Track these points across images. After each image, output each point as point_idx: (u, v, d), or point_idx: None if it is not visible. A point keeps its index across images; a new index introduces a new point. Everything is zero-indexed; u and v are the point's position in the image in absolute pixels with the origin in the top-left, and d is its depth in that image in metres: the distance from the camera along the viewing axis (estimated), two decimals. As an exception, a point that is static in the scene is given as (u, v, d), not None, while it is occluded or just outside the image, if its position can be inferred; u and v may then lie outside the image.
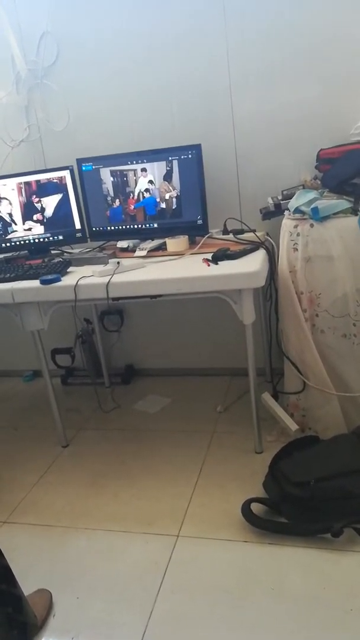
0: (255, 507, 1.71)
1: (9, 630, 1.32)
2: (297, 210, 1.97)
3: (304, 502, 1.66)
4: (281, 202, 2.14)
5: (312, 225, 1.91)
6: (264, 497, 1.76)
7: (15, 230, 2.45)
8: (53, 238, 2.43)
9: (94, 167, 2.33)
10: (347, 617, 1.36)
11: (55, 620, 1.46)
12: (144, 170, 2.26)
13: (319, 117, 2.21)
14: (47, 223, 2.42)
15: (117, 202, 2.34)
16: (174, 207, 2.28)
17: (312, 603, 1.41)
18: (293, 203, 2.00)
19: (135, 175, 2.29)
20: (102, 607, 1.48)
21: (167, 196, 2.26)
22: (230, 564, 1.57)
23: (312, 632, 1.33)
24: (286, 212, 2.06)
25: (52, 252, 2.48)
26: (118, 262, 2.01)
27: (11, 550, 1.37)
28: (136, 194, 2.31)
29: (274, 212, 2.17)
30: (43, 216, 2.41)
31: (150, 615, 1.44)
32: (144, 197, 2.30)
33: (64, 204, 2.38)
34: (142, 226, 2.36)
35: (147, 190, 2.29)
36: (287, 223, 2.00)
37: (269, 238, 2.20)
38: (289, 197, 2.10)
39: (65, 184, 2.35)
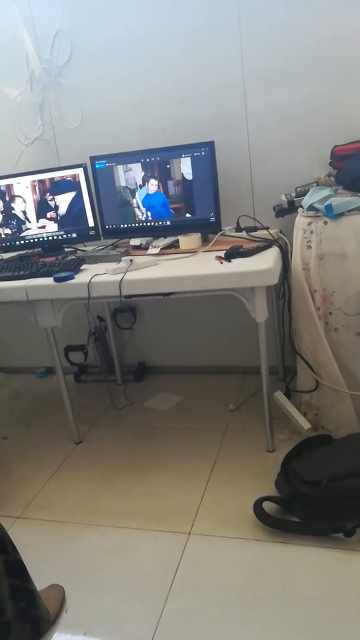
0: (267, 506, 1.71)
1: (23, 625, 1.33)
2: (310, 208, 1.95)
3: (316, 501, 1.65)
4: (295, 199, 2.13)
5: (325, 223, 1.90)
6: (276, 496, 1.76)
7: (29, 228, 2.46)
8: (66, 236, 2.44)
9: (107, 164, 2.33)
10: (358, 618, 1.35)
11: (67, 616, 1.47)
12: (152, 175, 2.26)
13: (333, 113, 2.19)
14: (60, 221, 2.43)
15: (130, 200, 2.34)
16: (180, 205, 2.27)
17: (323, 603, 1.40)
18: (307, 200, 1.99)
19: (145, 176, 2.29)
20: (113, 604, 1.49)
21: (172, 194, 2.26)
22: (241, 563, 1.57)
23: (323, 632, 1.33)
24: (300, 210, 2.05)
25: (66, 249, 2.49)
26: (131, 260, 2.01)
27: (24, 546, 1.38)
28: (142, 197, 2.31)
29: (288, 210, 2.16)
30: (57, 214, 2.42)
31: (162, 612, 1.44)
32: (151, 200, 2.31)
33: (77, 202, 2.39)
34: (154, 224, 2.36)
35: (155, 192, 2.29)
36: (300, 220, 1.98)
37: (282, 235, 2.18)
38: (302, 194, 2.09)
39: (79, 181, 2.36)
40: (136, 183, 2.32)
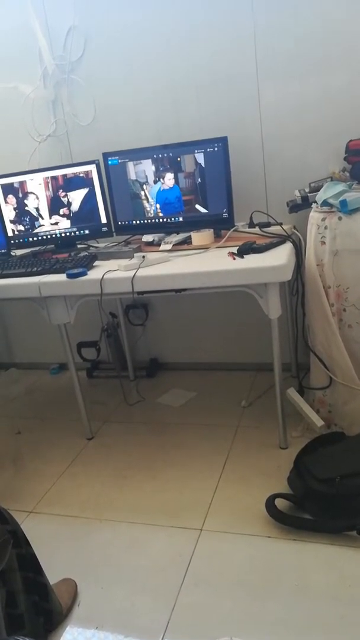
0: (280, 503, 1.70)
1: (36, 618, 1.34)
2: (325, 203, 1.93)
3: (329, 499, 1.64)
4: (309, 194, 2.11)
5: (340, 218, 1.88)
6: (289, 493, 1.75)
7: (42, 225, 2.48)
8: (79, 232, 2.45)
9: (119, 161, 2.33)
10: (372, 616, 1.34)
11: (79, 609, 1.48)
12: (166, 171, 2.26)
13: (348, 107, 2.16)
14: (73, 217, 2.44)
15: (143, 196, 2.34)
16: (192, 201, 2.26)
17: (335, 601, 1.39)
18: (321, 195, 1.97)
19: (160, 171, 2.28)
20: (125, 598, 1.50)
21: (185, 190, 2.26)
22: (253, 559, 1.57)
23: (334, 629, 1.32)
24: (314, 205, 2.03)
25: (79, 246, 2.50)
26: (143, 256, 2.01)
27: (37, 540, 1.39)
28: (156, 193, 2.31)
29: (301, 205, 2.14)
30: (69, 210, 2.43)
31: (174, 607, 1.44)
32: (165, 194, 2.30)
33: (90, 198, 2.39)
34: (167, 220, 2.36)
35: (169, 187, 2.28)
36: (314, 216, 1.96)
37: (296, 231, 2.17)
38: (316, 189, 2.07)
39: (92, 178, 2.36)
40: (147, 177, 2.31)
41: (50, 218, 2.46)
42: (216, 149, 2.18)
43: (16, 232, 2.51)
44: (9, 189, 2.45)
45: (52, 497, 1.99)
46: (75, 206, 2.42)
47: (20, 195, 2.45)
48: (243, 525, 1.70)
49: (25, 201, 2.46)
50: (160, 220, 2.36)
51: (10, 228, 2.51)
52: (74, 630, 1.42)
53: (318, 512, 1.66)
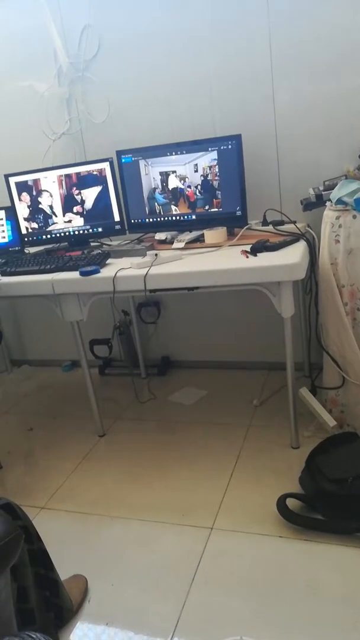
0: (291, 503, 1.69)
1: (46, 613, 1.35)
2: (339, 201, 1.92)
3: (341, 499, 1.63)
4: (323, 192, 2.09)
5: (354, 217, 1.86)
6: (300, 493, 1.74)
7: (56, 222, 2.49)
8: (92, 230, 2.46)
9: (133, 158, 2.33)
10: (384, 619, 1.33)
11: (90, 606, 1.49)
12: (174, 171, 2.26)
13: (363, 104, 2.14)
14: (86, 215, 2.44)
15: (158, 193, 2.34)
16: (206, 199, 2.26)
17: (347, 602, 1.38)
18: (335, 194, 1.95)
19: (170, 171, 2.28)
20: (136, 595, 1.50)
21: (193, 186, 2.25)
22: (264, 559, 1.56)
23: (344, 630, 1.31)
24: (328, 203, 2.01)
25: (92, 244, 2.51)
26: (156, 254, 2.01)
27: (48, 536, 1.40)
28: (170, 187, 2.30)
29: (315, 203, 2.12)
30: (83, 208, 2.44)
31: (184, 605, 1.44)
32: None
33: (103, 196, 2.40)
34: (180, 218, 2.35)
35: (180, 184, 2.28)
36: (328, 214, 1.95)
37: (310, 230, 2.15)
38: (331, 187, 2.05)
39: (105, 176, 2.37)
40: (161, 175, 2.31)
41: (63, 216, 2.47)
42: (230, 146, 2.17)
43: (30, 230, 2.52)
44: (23, 187, 2.47)
45: (64, 493, 2.00)
46: (88, 204, 2.43)
47: (34, 193, 2.47)
48: (254, 525, 1.69)
49: (39, 199, 2.47)
50: (173, 218, 2.36)
51: (24, 225, 2.52)
52: (84, 626, 1.43)
53: (329, 513, 1.65)
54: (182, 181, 2.29)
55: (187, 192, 2.30)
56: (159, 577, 1.55)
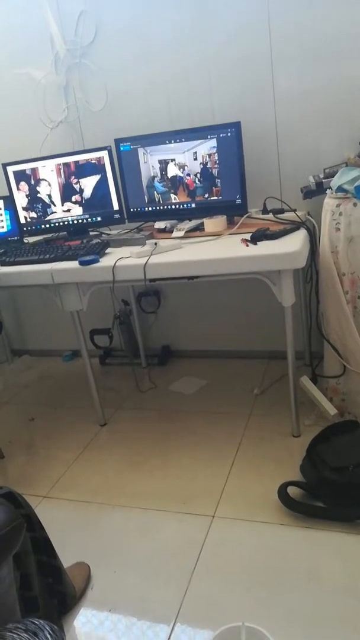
0: (292, 491, 1.70)
1: (50, 600, 1.37)
2: (339, 189, 1.90)
3: (342, 487, 1.64)
4: (323, 180, 2.08)
5: (355, 204, 1.85)
6: (301, 481, 1.75)
7: (55, 212, 2.47)
8: (91, 219, 2.44)
9: (132, 147, 2.31)
10: (384, 604, 1.34)
11: (92, 593, 1.50)
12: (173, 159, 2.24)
13: (364, 90, 2.12)
14: (85, 204, 2.43)
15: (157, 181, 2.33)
16: (205, 187, 2.24)
17: (348, 589, 1.39)
18: (335, 181, 1.93)
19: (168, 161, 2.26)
20: (138, 583, 1.51)
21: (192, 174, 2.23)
22: (266, 547, 1.57)
23: (346, 617, 1.32)
24: (328, 191, 2.00)
25: (91, 233, 2.49)
26: (155, 243, 2.00)
27: (51, 524, 1.40)
28: (169, 175, 2.29)
29: (316, 191, 2.11)
30: (81, 197, 2.42)
31: (185, 592, 1.46)
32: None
33: (102, 185, 2.38)
34: (179, 206, 2.34)
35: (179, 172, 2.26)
36: (329, 202, 1.94)
37: (310, 218, 2.14)
38: (331, 175, 2.03)
39: (104, 164, 2.35)
40: (160, 163, 2.29)
41: (62, 205, 2.46)
42: (229, 134, 2.15)
43: (29, 219, 2.51)
44: (21, 176, 2.45)
45: (66, 482, 2.01)
46: (87, 193, 2.41)
47: (33, 182, 2.45)
48: (255, 513, 1.70)
49: (38, 188, 2.45)
50: (173, 207, 2.35)
51: (22, 215, 2.51)
52: (88, 612, 1.45)
53: (331, 500, 1.66)
54: (182, 169, 2.27)
55: (186, 181, 2.28)
56: (161, 565, 1.56)
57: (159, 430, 2.27)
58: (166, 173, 2.30)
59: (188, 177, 2.28)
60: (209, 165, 2.22)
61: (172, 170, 2.29)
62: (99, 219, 2.44)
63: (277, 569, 1.49)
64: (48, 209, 2.47)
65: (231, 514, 1.72)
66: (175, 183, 2.30)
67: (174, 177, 2.30)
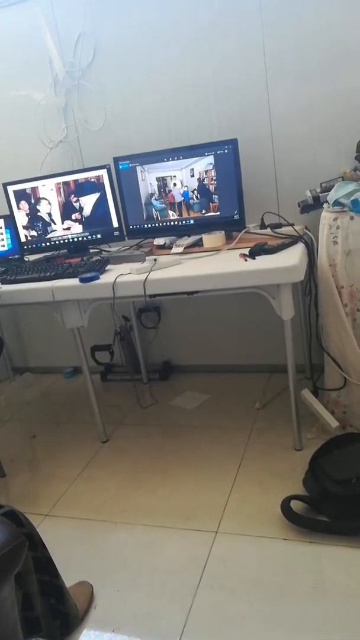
0: (295, 505, 1.69)
1: (52, 620, 1.35)
2: (336, 203, 1.92)
3: (345, 500, 1.63)
4: (320, 194, 2.10)
5: (352, 218, 1.87)
6: (304, 495, 1.74)
7: (55, 230, 2.50)
8: (91, 237, 2.47)
9: (130, 165, 2.35)
10: (391, 619, 1.32)
11: (96, 612, 1.49)
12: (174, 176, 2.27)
13: (358, 106, 2.15)
14: (85, 222, 2.45)
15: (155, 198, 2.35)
16: (203, 203, 2.27)
17: (354, 603, 1.38)
18: (332, 195, 1.96)
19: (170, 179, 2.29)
20: (142, 601, 1.50)
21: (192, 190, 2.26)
22: (270, 562, 1.56)
23: (353, 632, 1.30)
24: (325, 205, 2.02)
25: (91, 250, 2.52)
26: (155, 259, 2.01)
27: (53, 543, 1.40)
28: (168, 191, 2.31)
29: (313, 205, 2.13)
30: (81, 215, 2.45)
31: (190, 609, 1.44)
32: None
33: (101, 203, 2.41)
34: (177, 223, 2.36)
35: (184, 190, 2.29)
36: (326, 216, 1.96)
37: (308, 232, 2.16)
38: (327, 189, 2.06)
39: (103, 182, 2.38)
40: (157, 181, 2.32)
41: (62, 223, 2.48)
42: (226, 151, 2.18)
43: (29, 238, 2.53)
44: (21, 195, 2.48)
45: (68, 500, 2.00)
46: (87, 211, 2.44)
47: (33, 201, 2.48)
48: (259, 528, 1.69)
49: (38, 207, 2.48)
50: (171, 223, 2.37)
51: (23, 234, 2.53)
52: (91, 633, 1.43)
53: (334, 514, 1.65)
54: (180, 186, 2.29)
55: (184, 198, 2.31)
56: (165, 582, 1.55)
57: (161, 446, 2.26)
58: (164, 190, 2.33)
59: (186, 195, 2.30)
60: (205, 182, 2.25)
61: (172, 188, 2.32)
62: (98, 236, 2.46)
63: (282, 584, 1.47)
64: (48, 227, 2.50)
65: (234, 529, 1.71)
66: (174, 202, 2.33)
67: (173, 195, 2.33)
